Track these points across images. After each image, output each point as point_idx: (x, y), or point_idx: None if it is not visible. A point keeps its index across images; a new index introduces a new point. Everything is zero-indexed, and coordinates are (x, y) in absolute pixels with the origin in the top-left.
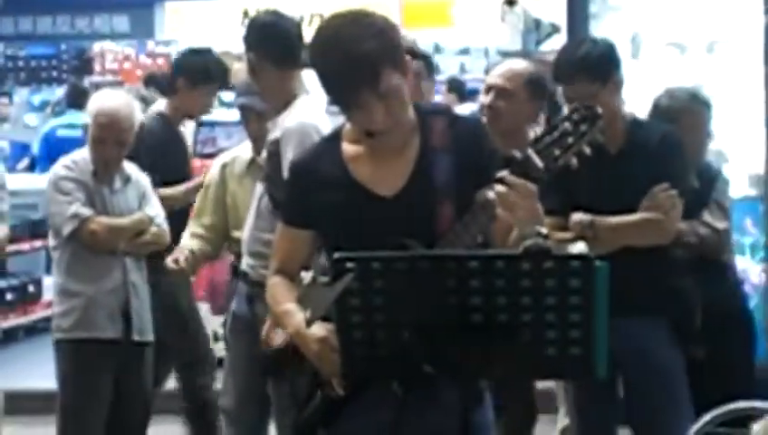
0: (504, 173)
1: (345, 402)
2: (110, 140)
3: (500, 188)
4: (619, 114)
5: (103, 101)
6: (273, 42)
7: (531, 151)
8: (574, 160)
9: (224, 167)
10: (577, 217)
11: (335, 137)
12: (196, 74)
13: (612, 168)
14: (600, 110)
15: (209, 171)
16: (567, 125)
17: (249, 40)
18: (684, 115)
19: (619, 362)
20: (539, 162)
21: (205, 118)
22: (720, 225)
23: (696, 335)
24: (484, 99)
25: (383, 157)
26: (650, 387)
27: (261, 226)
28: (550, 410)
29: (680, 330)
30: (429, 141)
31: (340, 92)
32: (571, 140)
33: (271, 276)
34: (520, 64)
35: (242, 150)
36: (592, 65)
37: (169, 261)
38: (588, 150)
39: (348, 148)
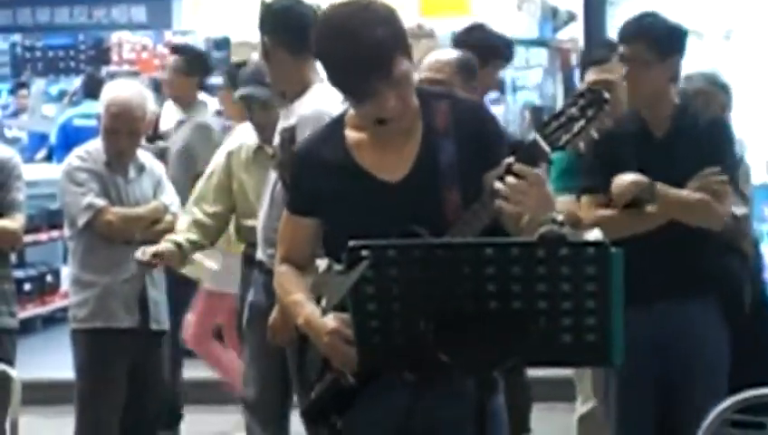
0: (510, 160)
1: (357, 389)
2: (123, 130)
3: (510, 179)
4: (666, 97)
5: (116, 91)
6: (289, 27)
7: (538, 136)
8: (581, 145)
9: (229, 154)
10: (632, 177)
11: (338, 123)
12: None
13: (659, 150)
14: (607, 95)
15: (214, 160)
16: (574, 110)
17: (265, 24)
18: (698, 96)
19: (663, 345)
20: (546, 147)
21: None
22: (739, 211)
23: (744, 315)
24: None
25: (387, 142)
26: (691, 377)
27: (275, 214)
28: (568, 398)
29: (729, 310)
30: (433, 125)
31: (352, 82)
32: (578, 124)
33: (278, 265)
34: (447, 54)
35: (246, 138)
36: (657, 34)
37: (139, 254)
38: (595, 135)
39: (351, 134)
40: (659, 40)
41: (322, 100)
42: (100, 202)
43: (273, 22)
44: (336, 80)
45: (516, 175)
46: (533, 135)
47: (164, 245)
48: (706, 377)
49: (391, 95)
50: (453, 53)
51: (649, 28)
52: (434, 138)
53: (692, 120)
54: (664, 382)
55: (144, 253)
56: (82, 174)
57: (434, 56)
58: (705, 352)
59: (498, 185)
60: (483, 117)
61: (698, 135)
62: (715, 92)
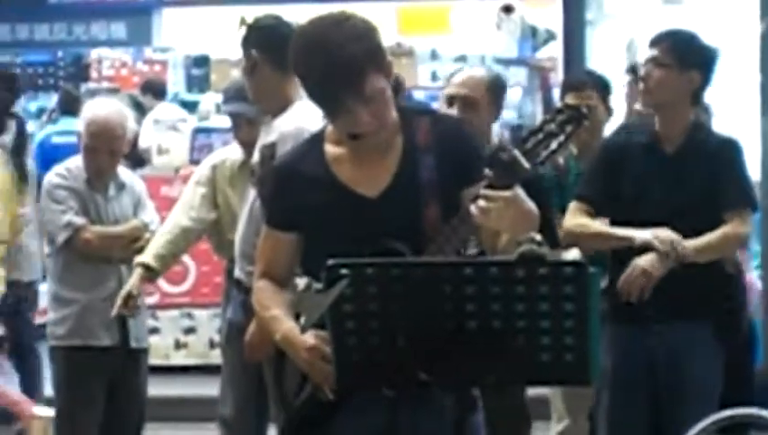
0: (481, 191)
1: (335, 405)
2: (103, 148)
3: (481, 202)
4: (682, 112)
5: (95, 109)
6: (274, 45)
7: (517, 152)
8: (561, 160)
9: (214, 168)
10: (666, 234)
11: (318, 138)
12: None
13: (668, 166)
14: (585, 109)
15: (198, 170)
16: (553, 126)
17: (250, 41)
18: None
19: (659, 365)
20: (525, 163)
21: (201, 124)
22: None
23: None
24: (448, 109)
25: (366, 158)
26: (683, 398)
27: (253, 230)
28: (544, 416)
29: (725, 334)
30: (413, 141)
31: (325, 97)
32: (557, 140)
33: (256, 281)
34: (479, 71)
35: (231, 152)
36: (680, 42)
37: (114, 312)
38: (575, 150)
39: (330, 149)
40: (680, 48)
41: (303, 117)
42: (80, 220)
43: (259, 38)
44: (310, 93)
45: (487, 200)
46: (513, 151)
47: (133, 277)
48: (698, 399)
49: (364, 112)
50: (485, 71)
51: (675, 35)
52: (414, 153)
53: (705, 138)
54: (656, 402)
55: (117, 307)
56: (62, 192)
57: (467, 72)
58: (697, 375)
59: (473, 209)
60: (463, 134)
61: (708, 154)
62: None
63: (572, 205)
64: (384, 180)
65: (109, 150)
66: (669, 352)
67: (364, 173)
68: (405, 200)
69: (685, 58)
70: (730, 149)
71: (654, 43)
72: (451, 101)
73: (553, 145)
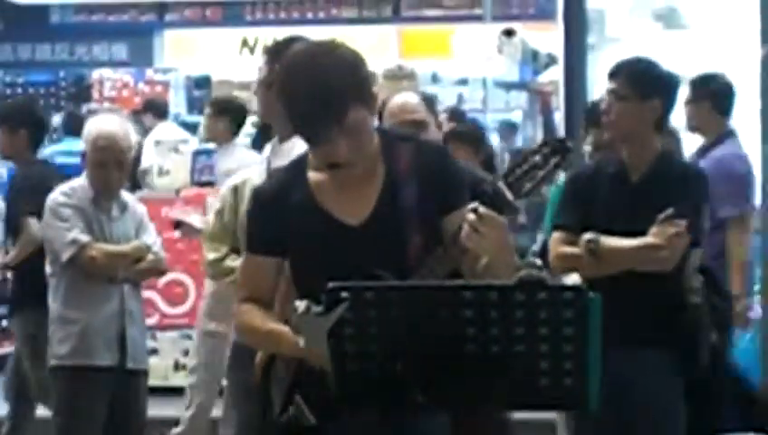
0: (475, 204)
1: (317, 430)
2: (111, 162)
3: (470, 216)
4: (647, 141)
5: (100, 124)
6: None
7: (501, 184)
8: (544, 190)
9: (235, 190)
10: (585, 234)
11: (301, 164)
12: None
13: (631, 195)
14: (570, 143)
15: (221, 195)
16: (538, 158)
17: (278, 56)
18: None
19: (616, 391)
20: (509, 195)
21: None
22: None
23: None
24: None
25: (349, 184)
26: (642, 420)
27: None
28: None
29: (684, 360)
30: (395, 168)
31: (306, 125)
32: (541, 172)
33: (240, 305)
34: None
35: (252, 173)
36: (638, 73)
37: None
38: (560, 180)
39: (313, 175)
40: (639, 78)
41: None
42: (85, 238)
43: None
44: (291, 120)
45: (479, 217)
46: (498, 183)
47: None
48: (658, 425)
49: (343, 143)
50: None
51: (632, 66)
52: (396, 181)
53: (669, 168)
54: (619, 428)
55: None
56: (67, 210)
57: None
58: (655, 402)
59: (465, 228)
60: (445, 161)
61: (672, 182)
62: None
63: (554, 235)
64: (366, 208)
65: (117, 163)
66: (626, 380)
67: (347, 200)
68: (387, 229)
69: (645, 88)
70: (691, 178)
71: (612, 75)
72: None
73: (538, 177)
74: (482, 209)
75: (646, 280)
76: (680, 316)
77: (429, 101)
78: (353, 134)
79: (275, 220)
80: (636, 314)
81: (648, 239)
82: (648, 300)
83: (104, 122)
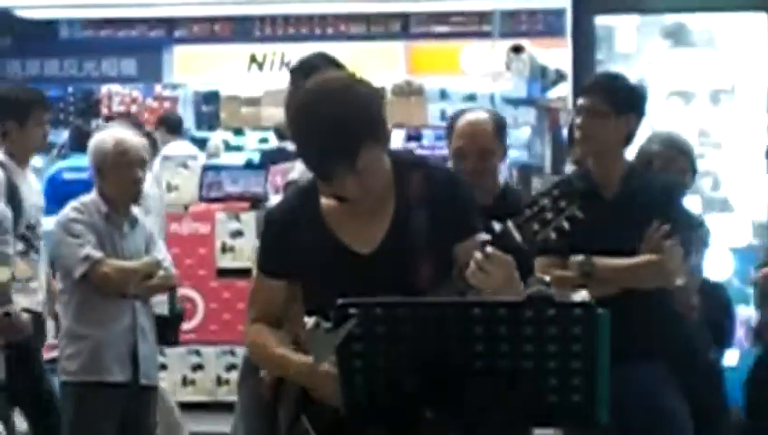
0: (485, 238)
1: None
2: (137, 162)
3: (478, 255)
4: (618, 156)
5: (114, 133)
6: None
7: (510, 225)
8: (553, 235)
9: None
10: (576, 257)
11: (314, 188)
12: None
13: (608, 213)
14: (580, 186)
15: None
16: (546, 201)
17: (303, 70)
18: (656, 158)
19: (623, 407)
20: (517, 236)
21: (211, 162)
22: (678, 281)
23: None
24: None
25: (360, 212)
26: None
27: None
28: None
29: (680, 375)
30: (406, 196)
31: (317, 162)
32: (549, 215)
33: (250, 325)
34: (482, 115)
35: None
36: (616, 89)
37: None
38: (567, 226)
39: (326, 201)
40: (617, 94)
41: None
42: (98, 254)
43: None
44: (302, 153)
45: (487, 256)
46: (508, 224)
47: None
48: (669, 423)
49: (352, 181)
50: (486, 114)
51: (609, 82)
52: (407, 208)
53: (643, 182)
54: None
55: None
56: (79, 226)
57: (471, 121)
58: (656, 417)
59: (471, 264)
60: (456, 188)
61: (650, 198)
62: (673, 156)
63: (540, 260)
64: (377, 237)
65: (141, 163)
66: (626, 396)
67: (358, 228)
68: (398, 257)
69: (620, 103)
70: (672, 192)
71: (586, 91)
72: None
73: (546, 220)
74: (489, 249)
75: (635, 299)
76: (675, 330)
77: (500, 124)
78: (364, 174)
79: (285, 245)
80: (630, 331)
81: (650, 256)
82: (641, 318)
83: (119, 131)
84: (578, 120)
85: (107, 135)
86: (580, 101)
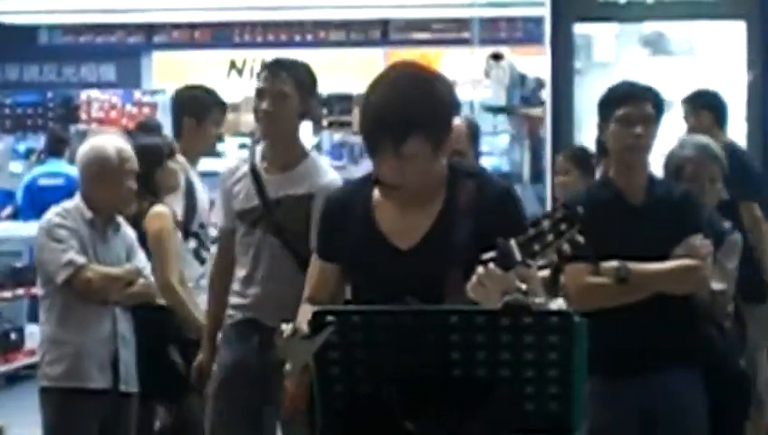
0: (488, 256)
1: None
2: (129, 170)
3: (480, 270)
4: (646, 164)
5: (107, 141)
6: (306, 87)
7: (513, 243)
8: (554, 257)
9: None
10: (611, 263)
11: (369, 179)
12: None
13: (639, 218)
14: (581, 210)
15: None
16: (547, 223)
17: (285, 71)
18: (687, 165)
19: (650, 415)
20: (518, 255)
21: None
22: (717, 286)
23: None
24: None
25: (408, 207)
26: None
27: None
28: None
29: (710, 381)
30: (454, 201)
31: (367, 138)
32: (550, 237)
33: (303, 304)
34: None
35: None
36: (657, 96)
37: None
38: (568, 249)
39: (377, 193)
40: (658, 102)
41: (332, 170)
42: (81, 259)
43: (297, 74)
44: (360, 127)
45: (488, 274)
46: (510, 242)
47: None
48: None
49: (391, 164)
50: (459, 119)
51: (649, 90)
52: (452, 214)
53: (664, 189)
54: None
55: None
56: (62, 231)
57: None
58: (689, 424)
59: (473, 280)
60: (507, 203)
61: (674, 205)
62: (704, 163)
63: (572, 268)
64: (417, 235)
65: (133, 171)
66: (660, 403)
67: (402, 224)
68: (432, 259)
69: (659, 112)
70: (692, 199)
71: (642, 98)
72: None
73: (546, 241)
74: (491, 266)
75: (667, 305)
76: (706, 336)
77: (473, 129)
78: (406, 162)
79: (336, 230)
80: (665, 338)
81: (685, 261)
82: (674, 324)
83: (109, 138)
84: (638, 129)
85: (106, 142)
86: (631, 109)
